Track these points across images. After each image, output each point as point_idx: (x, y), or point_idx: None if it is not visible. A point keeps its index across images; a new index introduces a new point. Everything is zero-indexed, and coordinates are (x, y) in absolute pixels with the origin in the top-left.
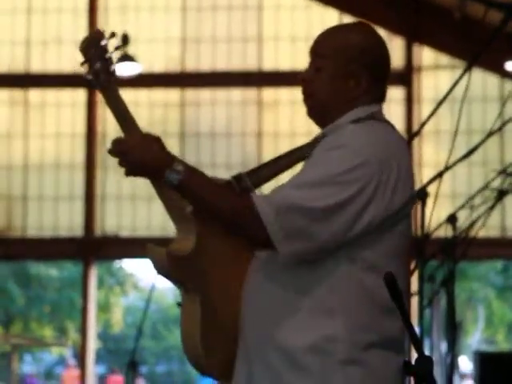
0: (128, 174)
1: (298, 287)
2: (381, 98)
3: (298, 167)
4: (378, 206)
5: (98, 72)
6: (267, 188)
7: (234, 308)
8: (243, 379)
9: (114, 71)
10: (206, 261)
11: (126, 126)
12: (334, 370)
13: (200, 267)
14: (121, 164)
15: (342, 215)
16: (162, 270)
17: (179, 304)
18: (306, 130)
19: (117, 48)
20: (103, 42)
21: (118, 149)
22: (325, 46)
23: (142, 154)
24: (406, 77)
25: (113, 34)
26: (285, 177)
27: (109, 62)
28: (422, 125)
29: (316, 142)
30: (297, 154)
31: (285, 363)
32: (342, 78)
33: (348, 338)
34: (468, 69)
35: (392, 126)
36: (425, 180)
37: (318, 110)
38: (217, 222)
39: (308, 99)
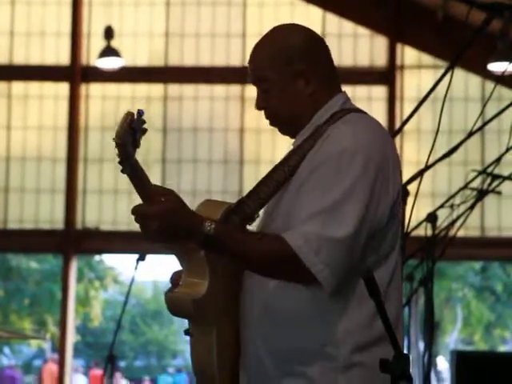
0: (155, 238)
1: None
2: (339, 87)
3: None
4: (387, 200)
5: (130, 156)
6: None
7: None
8: None
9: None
10: (218, 299)
11: (145, 194)
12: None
13: (214, 305)
14: (144, 229)
15: (366, 226)
16: (186, 317)
17: (188, 333)
18: None
19: (142, 123)
20: (133, 124)
21: (141, 214)
22: (258, 67)
23: (173, 219)
24: (389, 76)
25: (141, 113)
26: None
27: (138, 141)
28: (404, 123)
29: (302, 150)
30: (287, 167)
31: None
32: (289, 83)
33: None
34: (450, 68)
35: (369, 116)
36: (405, 178)
37: (287, 126)
38: (243, 267)
39: (273, 121)
